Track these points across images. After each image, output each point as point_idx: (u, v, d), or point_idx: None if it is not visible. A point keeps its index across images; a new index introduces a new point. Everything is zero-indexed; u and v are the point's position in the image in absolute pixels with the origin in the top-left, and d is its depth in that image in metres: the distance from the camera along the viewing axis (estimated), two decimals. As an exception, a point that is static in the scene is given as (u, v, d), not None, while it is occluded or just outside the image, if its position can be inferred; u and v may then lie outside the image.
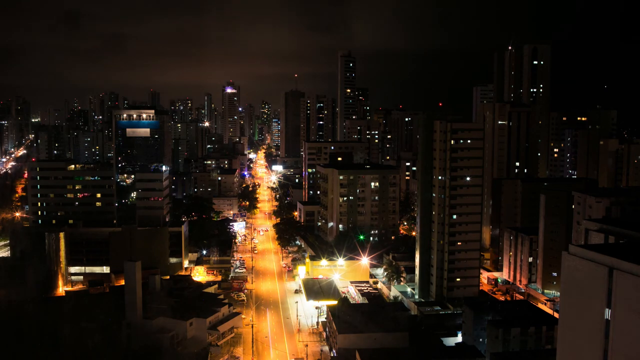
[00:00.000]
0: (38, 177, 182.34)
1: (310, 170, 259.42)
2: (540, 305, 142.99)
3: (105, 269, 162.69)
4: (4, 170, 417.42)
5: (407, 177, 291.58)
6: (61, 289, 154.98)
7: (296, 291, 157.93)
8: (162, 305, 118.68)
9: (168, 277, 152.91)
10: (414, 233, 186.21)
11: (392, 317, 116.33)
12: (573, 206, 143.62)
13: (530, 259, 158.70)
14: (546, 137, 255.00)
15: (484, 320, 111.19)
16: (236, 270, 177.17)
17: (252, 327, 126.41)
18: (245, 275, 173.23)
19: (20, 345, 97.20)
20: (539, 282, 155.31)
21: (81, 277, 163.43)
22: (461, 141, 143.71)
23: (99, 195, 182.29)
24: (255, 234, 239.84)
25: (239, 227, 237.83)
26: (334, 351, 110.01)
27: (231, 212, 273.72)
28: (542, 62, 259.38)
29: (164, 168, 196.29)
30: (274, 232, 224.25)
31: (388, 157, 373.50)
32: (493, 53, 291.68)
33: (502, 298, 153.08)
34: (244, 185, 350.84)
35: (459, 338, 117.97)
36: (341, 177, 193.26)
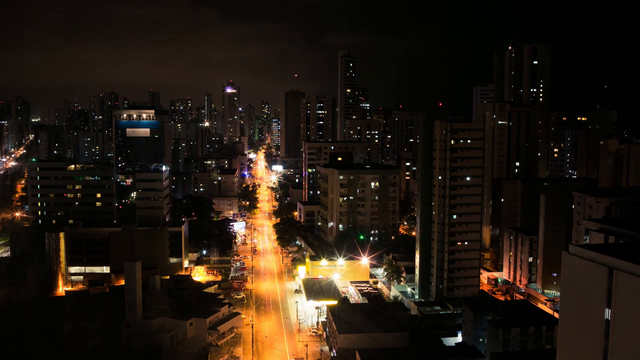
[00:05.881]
0: (38, 177, 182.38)
1: (310, 170, 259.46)
2: (540, 305, 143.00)
3: (105, 269, 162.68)
4: (4, 170, 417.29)
5: (407, 177, 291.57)
6: (61, 289, 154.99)
7: (296, 291, 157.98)
8: (162, 305, 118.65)
9: (168, 277, 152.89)
10: (414, 233, 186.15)
11: (392, 317, 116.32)
12: (573, 206, 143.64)
13: (530, 259, 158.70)
14: (546, 137, 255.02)
15: (484, 320, 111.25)
16: (237, 270, 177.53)
17: (252, 327, 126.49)
18: (247, 275, 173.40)
19: (20, 345, 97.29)
20: (539, 282, 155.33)
21: (81, 277, 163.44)
22: (461, 141, 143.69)
23: (99, 195, 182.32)
24: (256, 233, 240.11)
25: (239, 227, 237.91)
26: (334, 351, 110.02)
27: (231, 212, 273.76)
28: (542, 62, 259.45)
29: (164, 168, 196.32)
30: (274, 232, 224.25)
31: (388, 157, 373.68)
32: (493, 53, 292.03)
33: (502, 298, 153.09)
34: (244, 185, 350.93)
35: (459, 338, 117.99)
36: (341, 177, 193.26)
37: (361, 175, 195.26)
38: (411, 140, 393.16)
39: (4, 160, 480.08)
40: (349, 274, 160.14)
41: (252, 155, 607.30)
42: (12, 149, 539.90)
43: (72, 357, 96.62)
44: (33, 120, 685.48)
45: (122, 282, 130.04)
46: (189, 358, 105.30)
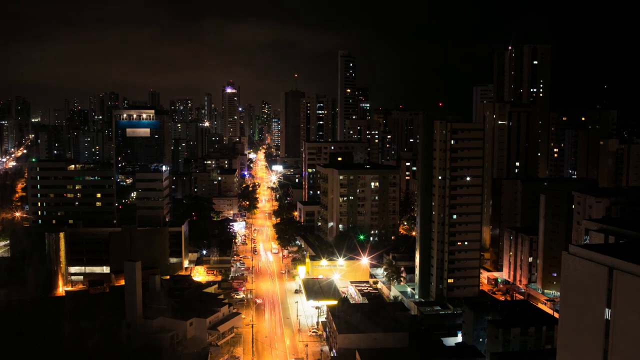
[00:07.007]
0: (38, 177, 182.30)
1: (310, 170, 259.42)
2: (540, 305, 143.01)
3: (105, 269, 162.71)
4: (4, 170, 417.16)
5: (407, 177, 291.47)
6: (61, 289, 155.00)
7: (296, 291, 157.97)
8: (162, 305, 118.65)
9: (168, 277, 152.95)
10: (414, 233, 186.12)
11: (392, 317, 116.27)
12: (573, 206, 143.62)
13: (530, 259, 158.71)
14: (546, 137, 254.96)
15: (484, 320, 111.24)
16: (238, 269, 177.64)
17: (252, 327, 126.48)
18: (246, 274, 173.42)
19: (20, 345, 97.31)
20: (539, 282, 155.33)
21: (81, 277, 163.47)
22: (461, 141, 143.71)
23: (99, 195, 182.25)
24: (256, 233, 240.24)
25: (239, 227, 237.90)
26: (334, 351, 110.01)
27: (231, 212, 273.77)
28: (542, 62, 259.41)
29: (164, 168, 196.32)
30: (274, 232, 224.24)
31: (388, 157, 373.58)
32: (493, 53, 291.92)
33: (502, 298, 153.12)
34: (244, 185, 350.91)
35: (459, 338, 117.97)
36: (341, 177, 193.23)
37: (361, 175, 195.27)
38: (411, 140, 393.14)
39: (4, 160, 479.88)
40: (349, 274, 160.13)
41: (252, 155, 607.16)
42: (12, 149, 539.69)
43: (72, 357, 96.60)
44: (33, 120, 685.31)
45: (122, 282, 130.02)
46: (189, 358, 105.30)
